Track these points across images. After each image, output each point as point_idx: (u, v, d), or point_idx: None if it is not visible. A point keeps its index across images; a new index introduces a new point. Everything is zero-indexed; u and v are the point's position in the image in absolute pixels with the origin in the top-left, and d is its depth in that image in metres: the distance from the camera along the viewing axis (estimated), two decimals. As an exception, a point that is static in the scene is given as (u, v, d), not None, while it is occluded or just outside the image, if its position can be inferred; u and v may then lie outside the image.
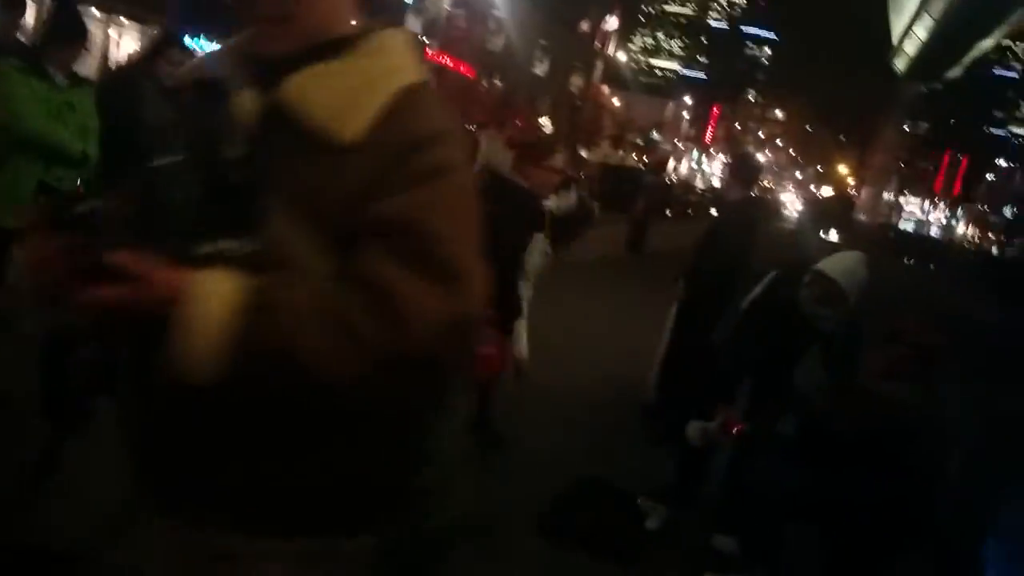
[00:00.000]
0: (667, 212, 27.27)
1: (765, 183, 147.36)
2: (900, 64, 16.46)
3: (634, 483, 4.80)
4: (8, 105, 3.77)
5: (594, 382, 6.92)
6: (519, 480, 4.58)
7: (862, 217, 64.87)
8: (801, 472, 3.66)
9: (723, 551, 4.06)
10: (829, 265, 4.09)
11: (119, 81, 4.93)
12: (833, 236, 46.46)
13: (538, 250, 4.28)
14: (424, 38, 38.46)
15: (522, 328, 4.24)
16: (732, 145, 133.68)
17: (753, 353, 4.36)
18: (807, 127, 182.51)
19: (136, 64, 4.66)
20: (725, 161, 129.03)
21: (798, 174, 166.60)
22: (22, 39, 4.72)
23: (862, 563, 3.54)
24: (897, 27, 14.81)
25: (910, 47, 14.75)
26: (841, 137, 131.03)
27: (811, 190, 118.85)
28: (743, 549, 3.85)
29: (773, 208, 64.16)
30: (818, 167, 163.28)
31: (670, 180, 35.10)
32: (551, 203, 4.59)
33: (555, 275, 10.93)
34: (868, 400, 3.54)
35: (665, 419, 5.98)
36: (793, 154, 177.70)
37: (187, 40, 5.35)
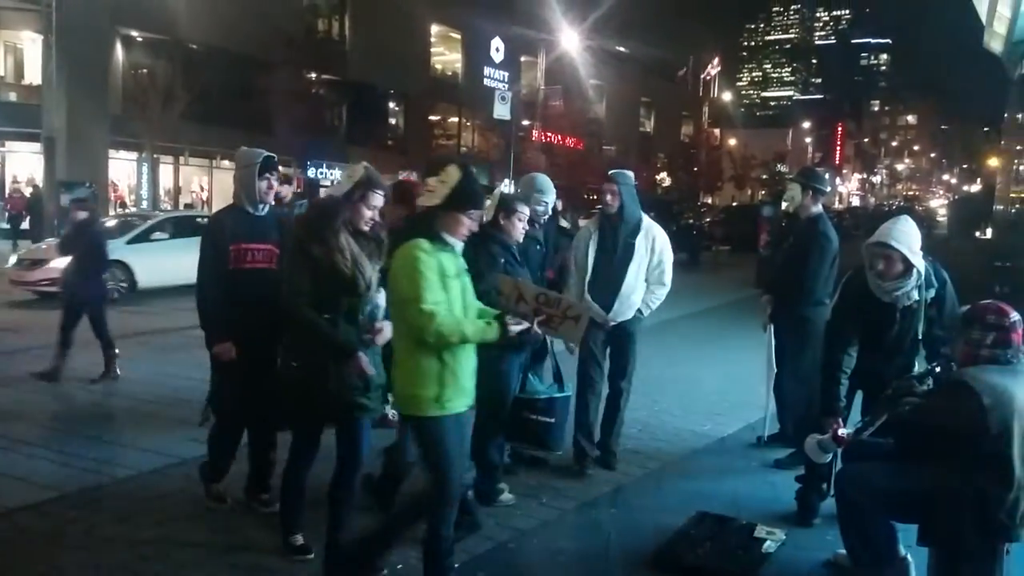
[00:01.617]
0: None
1: (909, 192, 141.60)
2: (996, 45, 15.55)
3: (754, 512, 4.84)
4: None
5: (715, 418, 7.00)
6: (639, 516, 4.70)
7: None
8: (897, 469, 3.64)
9: (844, 566, 4.03)
10: (879, 235, 4.10)
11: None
12: (990, 233, 43.80)
13: None
14: (525, 121, 39.51)
15: None
16: (865, 160, 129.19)
17: (845, 360, 4.38)
18: (942, 127, 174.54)
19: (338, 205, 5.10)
20: (860, 178, 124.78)
21: (945, 176, 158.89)
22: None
23: (965, 560, 3.46)
24: (981, 8, 14.10)
25: (1000, 26, 14.00)
26: (985, 128, 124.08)
27: (964, 190, 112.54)
28: (851, 556, 3.81)
29: (920, 216, 61.27)
30: (963, 165, 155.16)
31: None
32: None
33: (673, 325, 11.17)
34: (955, 391, 3.49)
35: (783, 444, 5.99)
36: (934, 156, 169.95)
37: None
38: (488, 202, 5.07)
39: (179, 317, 10.73)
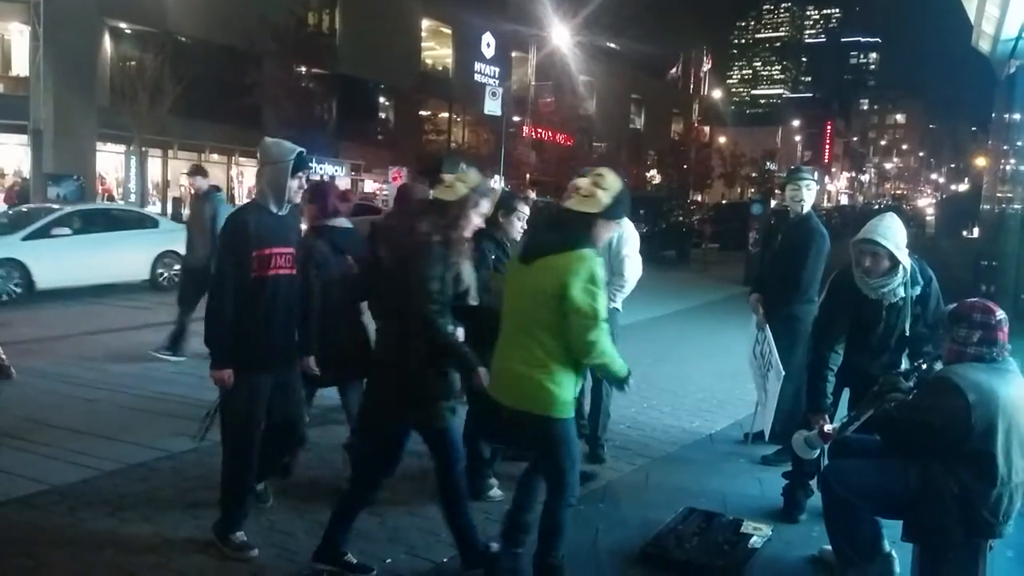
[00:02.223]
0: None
1: (898, 191, 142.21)
2: (985, 45, 15.50)
3: (742, 508, 4.87)
4: None
5: (703, 415, 7.02)
6: (627, 512, 4.72)
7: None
8: (882, 466, 3.67)
9: (829, 562, 4.05)
10: (865, 232, 4.13)
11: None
12: (977, 233, 44.04)
13: None
14: (515, 117, 39.48)
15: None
16: (854, 159, 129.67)
17: (831, 357, 4.42)
18: (930, 126, 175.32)
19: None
20: (849, 177, 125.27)
21: (933, 176, 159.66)
22: None
23: (949, 556, 3.50)
24: (970, 7, 14.06)
25: (988, 26, 13.95)
26: (973, 128, 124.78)
27: (951, 190, 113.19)
28: (836, 552, 3.84)
29: (908, 215, 61.57)
30: (951, 165, 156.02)
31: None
32: None
33: (662, 322, 11.20)
34: (940, 388, 3.52)
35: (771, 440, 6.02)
36: (923, 155, 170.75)
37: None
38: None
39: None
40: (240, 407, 4.13)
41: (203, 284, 7.94)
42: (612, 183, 3.55)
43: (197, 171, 9.34)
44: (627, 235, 5.48)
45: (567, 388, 3.51)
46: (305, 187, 4.28)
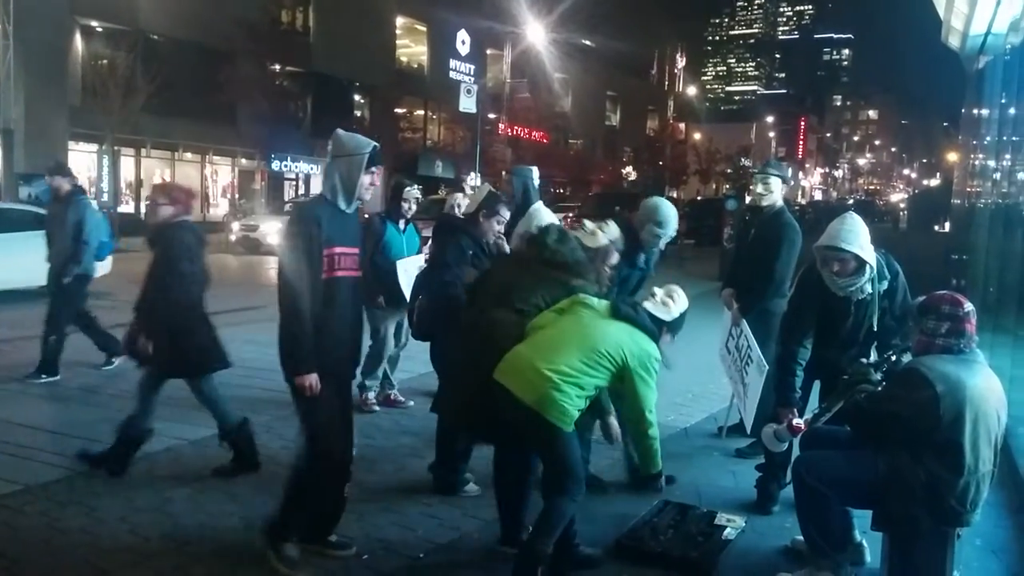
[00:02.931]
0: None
1: (870, 186, 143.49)
2: (954, 41, 15.69)
3: (716, 501, 4.92)
4: None
5: (678, 409, 7.06)
6: (603, 505, 4.74)
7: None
8: (852, 457, 3.73)
9: (801, 551, 4.11)
10: (828, 239, 4.18)
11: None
12: (948, 227, 44.56)
13: None
14: (491, 114, 39.48)
15: None
16: (827, 155, 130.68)
17: (800, 352, 4.47)
18: (902, 122, 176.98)
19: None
20: (823, 172, 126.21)
21: (905, 171, 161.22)
22: None
23: (918, 545, 3.56)
24: (939, 3, 14.16)
25: (957, 22, 14.09)
26: (944, 124, 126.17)
27: (923, 185, 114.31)
28: (808, 542, 3.89)
29: (878, 210, 62.18)
30: (923, 160, 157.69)
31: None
32: None
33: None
34: (909, 379, 3.57)
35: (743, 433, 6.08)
36: (895, 151, 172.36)
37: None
38: (466, 194, 5.19)
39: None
40: (326, 413, 3.87)
41: (65, 298, 7.67)
42: (682, 300, 4.03)
43: (57, 169, 8.15)
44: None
45: (576, 408, 3.64)
46: (376, 184, 4.02)
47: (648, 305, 3.94)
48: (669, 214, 5.00)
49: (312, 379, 3.76)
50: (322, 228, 3.77)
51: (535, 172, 7.25)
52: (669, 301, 3.98)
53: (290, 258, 3.80)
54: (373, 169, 3.89)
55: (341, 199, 3.88)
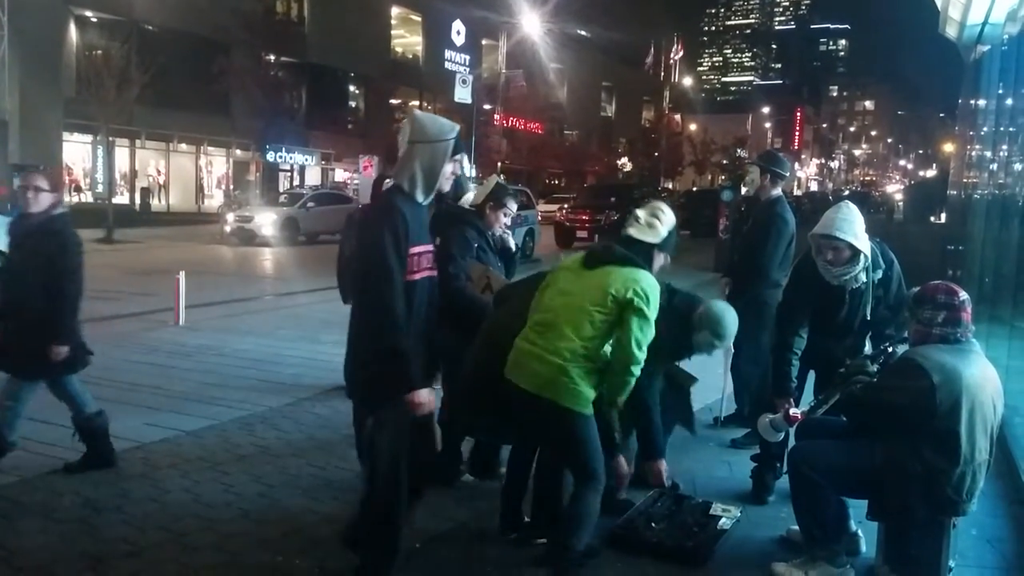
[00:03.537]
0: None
1: (867, 177, 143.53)
2: (951, 31, 15.62)
3: (711, 491, 4.92)
4: None
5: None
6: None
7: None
8: (847, 446, 3.73)
9: (797, 541, 4.11)
10: (823, 227, 4.18)
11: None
12: (944, 218, 44.62)
13: None
14: (486, 105, 39.42)
15: None
16: (823, 146, 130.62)
17: (796, 342, 4.47)
18: (899, 112, 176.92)
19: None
20: (819, 163, 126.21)
21: (902, 162, 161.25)
22: None
23: (914, 535, 3.57)
24: None
25: (955, 12, 14.04)
26: (941, 114, 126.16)
27: (920, 176, 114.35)
28: (804, 532, 3.90)
29: (874, 201, 62.22)
30: (919, 151, 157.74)
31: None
32: None
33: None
34: (905, 369, 3.57)
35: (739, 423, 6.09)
36: (891, 142, 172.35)
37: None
38: (476, 187, 5.12)
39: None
40: (394, 437, 3.44)
41: None
42: (669, 217, 3.78)
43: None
44: None
45: (588, 386, 3.53)
46: (458, 173, 3.66)
47: (632, 231, 3.74)
48: (732, 329, 4.37)
49: (426, 393, 3.39)
50: (408, 224, 3.36)
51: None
52: (655, 221, 3.75)
53: (377, 263, 3.30)
54: (456, 157, 3.50)
55: (420, 191, 3.46)
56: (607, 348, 3.57)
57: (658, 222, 3.74)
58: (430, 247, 3.56)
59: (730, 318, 4.33)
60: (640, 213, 3.79)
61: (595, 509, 3.64)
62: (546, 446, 3.95)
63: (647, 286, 3.51)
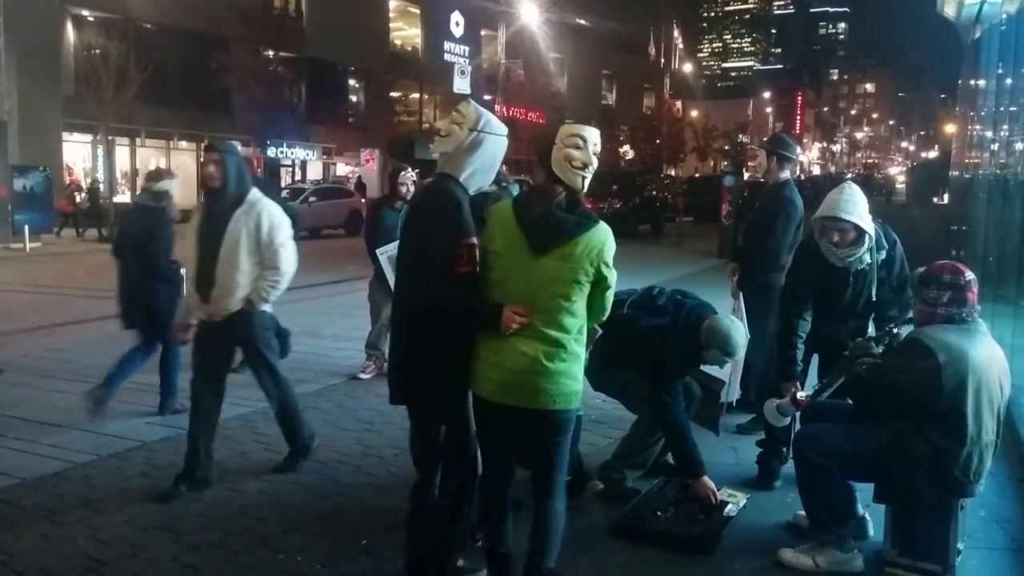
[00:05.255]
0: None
1: (869, 160, 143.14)
2: (950, 11, 15.34)
3: (717, 477, 4.87)
4: None
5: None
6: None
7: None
8: (853, 429, 3.69)
9: (804, 526, 4.08)
10: (827, 209, 4.14)
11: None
12: (947, 199, 44.50)
13: None
14: (486, 96, 39.31)
15: None
16: (825, 129, 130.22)
17: (800, 325, 4.43)
18: (900, 94, 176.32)
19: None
20: (821, 147, 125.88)
21: (903, 144, 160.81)
22: None
23: (921, 517, 3.54)
24: None
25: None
26: (942, 95, 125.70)
27: (922, 157, 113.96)
28: (811, 517, 3.86)
29: (880, 183, 62.07)
30: (921, 132, 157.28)
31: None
32: None
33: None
34: (911, 350, 3.53)
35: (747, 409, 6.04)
36: (893, 124, 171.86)
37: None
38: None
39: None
40: (466, 437, 3.40)
41: None
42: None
43: None
44: (278, 220, 4.81)
45: (573, 375, 3.18)
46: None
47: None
48: (741, 343, 4.46)
49: None
50: (463, 215, 3.19)
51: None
52: (453, 127, 3.28)
53: (437, 255, 3.16)
54: None
55: (476, 182, 3.31)
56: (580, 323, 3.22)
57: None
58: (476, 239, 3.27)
59: (736, 333, 4.38)
60: (576, 154, 3.20)
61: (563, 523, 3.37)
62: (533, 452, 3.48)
63: (608, 246, 3.16)
